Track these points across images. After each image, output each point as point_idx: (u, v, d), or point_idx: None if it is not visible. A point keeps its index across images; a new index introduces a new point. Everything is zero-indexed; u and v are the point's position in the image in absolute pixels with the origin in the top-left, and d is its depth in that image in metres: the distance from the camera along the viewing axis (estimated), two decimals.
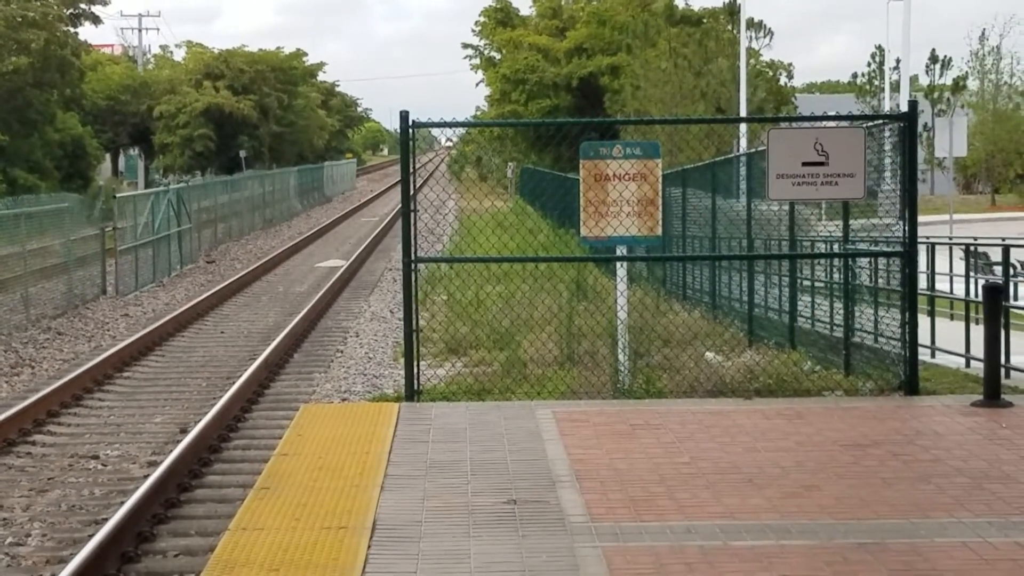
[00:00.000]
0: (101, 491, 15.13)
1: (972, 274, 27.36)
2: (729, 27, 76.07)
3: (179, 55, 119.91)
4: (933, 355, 18.41)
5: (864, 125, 16.87)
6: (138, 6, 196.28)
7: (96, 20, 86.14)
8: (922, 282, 18.19)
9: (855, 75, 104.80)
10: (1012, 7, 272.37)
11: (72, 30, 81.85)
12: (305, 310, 31.32)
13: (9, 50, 72.68)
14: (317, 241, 58.13)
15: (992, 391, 14.51)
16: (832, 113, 29.80)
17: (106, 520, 12.89)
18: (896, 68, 71.17)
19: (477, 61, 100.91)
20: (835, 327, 18.30)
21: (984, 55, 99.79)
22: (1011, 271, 23.53)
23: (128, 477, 15.48)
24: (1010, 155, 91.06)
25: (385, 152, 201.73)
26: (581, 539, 9.35)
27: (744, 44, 68.86)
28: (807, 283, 20.15)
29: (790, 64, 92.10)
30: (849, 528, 9.65)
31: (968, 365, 18.35)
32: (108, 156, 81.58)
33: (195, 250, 47.84)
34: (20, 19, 75.11)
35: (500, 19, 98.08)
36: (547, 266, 25.29)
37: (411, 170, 17.12)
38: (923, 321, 17.21)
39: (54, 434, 18.24)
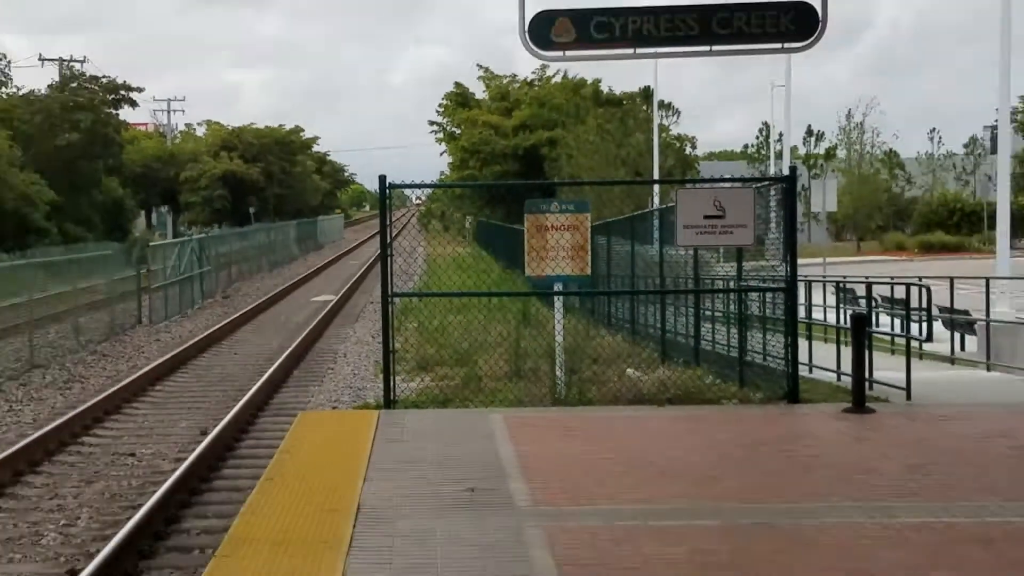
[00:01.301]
0: (137, 482, 15.13)
1: (841, 306, 27.54)
2: (644, 107, 76.04)
3: (200, 131, 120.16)
4: (810, 371, 18.46)
5: (753, 186, 16.98)
6: (168, 90, 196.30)
7: (133, 104, 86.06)
8: (801, 312, 18.21)
9: (746, 146, 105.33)
10: (873, 90, 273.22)
11: (114, 112, 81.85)
12: (303, 335, 31.06)
13: (63, 128, 72.72)
14: (312, 280, 58.04)
15: (859, 400, 14.61)
16: (728, 176, 29.87)
17: (140, 505, 12.88)
18: (779, 140, 71.34)
19: (441, 135, 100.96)
20: (731, 348, 18.35)
21: (850, 130, 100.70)
22: (873, 303, 23.69)
23: (159, 471, 15.45)
24: (872, 210, 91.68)
25: (367, 208, 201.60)
26: (527, 520, 9.39)
27: (656, 121, 69.13)
28: (708, 313, 20.22)
29: (693, 137, 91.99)
30: (746, 511, 9.71)
31: (839, 379, 18.46)
32: (143, 213, 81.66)
33: (213, 288, 47.79)
34: (72, 103, 75.24)
35: (459, 101, 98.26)
36: (498, 299, 25.36)
37: (388, 223, 17.14)
38: (802, 344, 17.26)
39: (99, 436, 18.22)
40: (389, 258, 16.51)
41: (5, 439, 17.94)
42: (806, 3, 14.96)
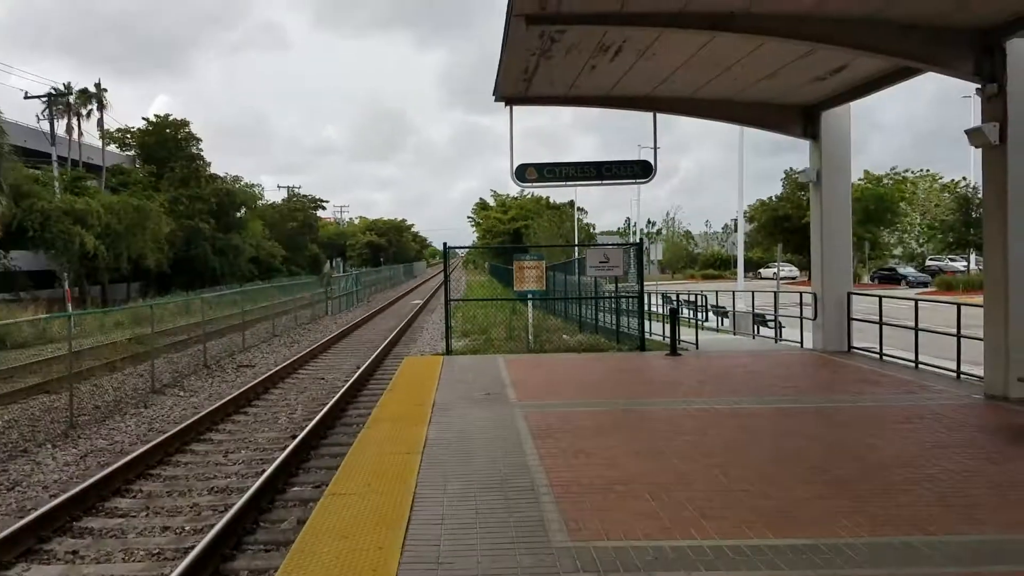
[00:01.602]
0: (325, 391, 15.04)
1: (665, 304, 27.60)
2: (571, 208, 75.99)
3: (356, 220, 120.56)
4: (650, 335, 18.44)
5: (622, 247, 16.99)
6: (340, 201, 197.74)
7: (323, 207, 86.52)
8: (645, 307, 18.17)
9: (619, 228, 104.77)
10: (679, 201, 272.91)
11: (314, 211, 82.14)
12: (408, 318, 30.87)
13: (289, 219, 73.09)
14: (410, 293, 57.94)
15: (673, 349, 14.56)
16: (611, 242, 29.77)
17: (327, 403, 12.89)
18: (635, 225, 71.32)
19: (473, 223, 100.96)
20: (613, 325, 18.36)
21: (669, 219, 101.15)
22: (679, 302, 23.75)
23: (337, 387, 15.36)
24: (678, 259, 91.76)
25: (437, 259, 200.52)
26: (515, 407, 9.40)
27: (576, 215, 69.20)
28: (602, 308, 20.23)
29: (592, 224, 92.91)
30: (619, 402, 9.74)
31: (665, 340, 18.42)
32: (328, 261, 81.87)
33: (362, 298, 47.48)
34: (294, 208, 75.85)
35: (482, 206, 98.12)
36: (500, 302, 25.38)
37: (447, 265, 17.30)
38: (646, 322, 17.27)
39: (306, 371, 18.11)
40: (447, 282, 16.62)
41: (260, 372, 17.91)
42: (646, 161, 15.05)
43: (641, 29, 9.71)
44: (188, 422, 11.56)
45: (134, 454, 9.64)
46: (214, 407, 12.70)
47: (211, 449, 10.70)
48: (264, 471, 8.89)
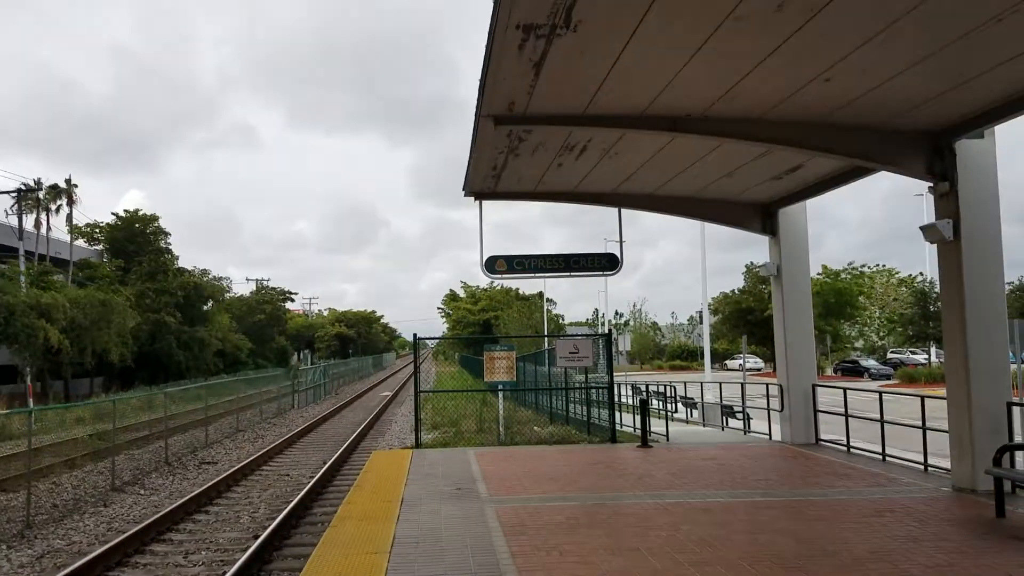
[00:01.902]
0: (290, 488, 14.63)
1: (633, 394, 27.56)
2: (540, 300, 76.34)
3: (325, 312, 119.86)
4: (621, 426, 18.29)
5: (591, 337, 17.05)
6: (308, 293, 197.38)
7: (292, 300, 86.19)
8: (616, 397, 18.09)
9: (588, 319, 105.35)
10: (645, 293, 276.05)
11: (282, 304, 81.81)
12: (376, 411, 30.37)
13: (257, 312, 72.82)
14: (380, 385, 57.21)
15: (644, 441, 14.46)
16: (580, 332, 29.85)
17: (291, 501, 12.53)
18: (604, 315, 71.70)
19: (443, 314, 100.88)
20: (584, 416, 18.21)
21: (636, 311, 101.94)
22: (648, 393, 23.74)
23: (301, 483, 14.99)
24: (646, 349, 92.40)
25: (407, 350, 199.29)
26: (486, 503, 9.21)
27: (545, 306, 69.63)
28: (573, 399, 20.10)
29: (561, 314, 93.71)
30: (591, 496, 9.58)
31: (635, 431, 18.29)
32: (296, 353, 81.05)
33: (330, 390, 46.84)
34: (262, 300, 75.65)
35: (452, 298, 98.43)
36: (470, 393, 25.14)
37: (416, 356, 17.15)
38: (617, 413, 17.17)
39: (271, 466, 17.68)
40: (416, 373, 16.47)
41: (222, 469, 17.44)
42: (612, 254, 15.25)
43: (605, 130, 9.99)
44: (148, 521, 11.13)
45: (91, 555, 9.23)
46: (175, 506, 12.27)
47: (171, 550, 10.28)
48: (225, 573, 8.54)
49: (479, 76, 8.05)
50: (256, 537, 10.50)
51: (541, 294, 76.63)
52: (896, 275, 69.91)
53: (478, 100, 8.71)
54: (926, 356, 56.99)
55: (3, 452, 19.15)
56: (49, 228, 48.78)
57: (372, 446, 20.45)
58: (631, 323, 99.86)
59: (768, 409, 16.19)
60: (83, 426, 24.07)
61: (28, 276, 38.91)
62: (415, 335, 16.61)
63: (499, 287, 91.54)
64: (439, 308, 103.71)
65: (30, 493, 12.44)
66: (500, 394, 18.52)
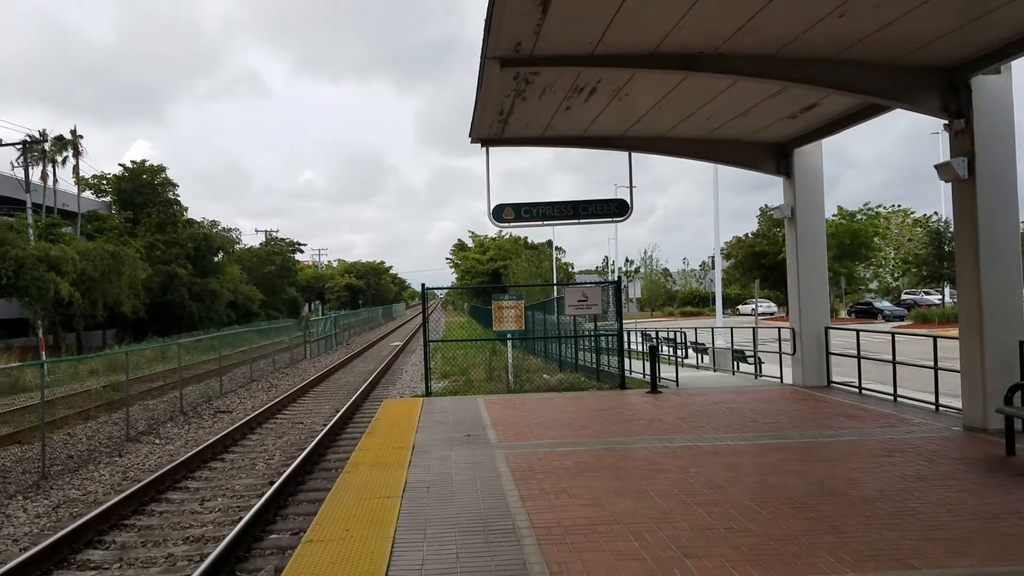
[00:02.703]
0: (303, 436, 14.86)
1: (644, 341, 27.65)
2: (549, 248, 76.19)
3: (335, 263, 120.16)
4: (630, 373, 18.37)
5: (600, 285, 17.05)
6: (317, 244, 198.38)
7: (301, 251, 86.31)
8: (624, 344, 18.14)
9: (597, 266, 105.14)
10: (656, 239, 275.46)
11: (292, 255, 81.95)
12: (387, 361, 30.61)
13: (267, 263, 72.99)
14: (390, 335, 57.53)
15: (653, 387, 14.57)
16: (589, 281, 29.86)
17: (305, 448, 12.71)
18: (614, 263, 71.49)
19: (452, 264, 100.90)
20: (592, 363, 18.29)
21: (647, 257, 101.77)
22: (658, 339, 23.83)
23: (315, 431, 15.21)
24: (656, 296, 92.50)
25: (416, 300, 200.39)
26: (495, 449, 9.32)
27: (554, 255, 69.62)
28: (582, 346, 20.17)
29: (571, 263, 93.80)
30: (600, 441, 9.66)
31: (644, 377, 18.37)
32: (307, 304, 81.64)
33: (341, 340, 47.14)
34: (272, 251, 75.73)
35: (460, 247, 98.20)
36: (479, 342, 25.27)
37: (425, 307, 17.19)
38: (627, 360, 17.23)
39: (285, 415, 17.94)
40: (425, 323, 16.52)
41: (237, 418, 17.68)
42: (622, 200, 15.14)
43: (614, 70, 9.83)
44: (163, 470, 11.33)
45: (107, 504, 9.41)
46: (190, 454, 12.48)
47: (187, 497, 10.48)
48: (241, 519, 8.71)
49: (484, 16, 7.91)
50: (271, 483, 10.68)
51: (550, 242, 76.56)
52: (911, 215, 69.32)
53: (483, 42, 8.56)
54: (940, 297, 56.77)
55: (17, 404, 19.45)
56: (56, 180, 48.73)
57: (383, 395, 20.66)
58: (641, 270, 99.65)
59: (780, 353, 16.22)
60: (96, 378, 24.39)
61: (36, 229, 39.05)
62: (423, 285, 16.64)
63: (507, 236, 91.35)
64: (447, 258, 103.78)
65: (44, 444, 12.65)
66: (509, 343, 18.61)
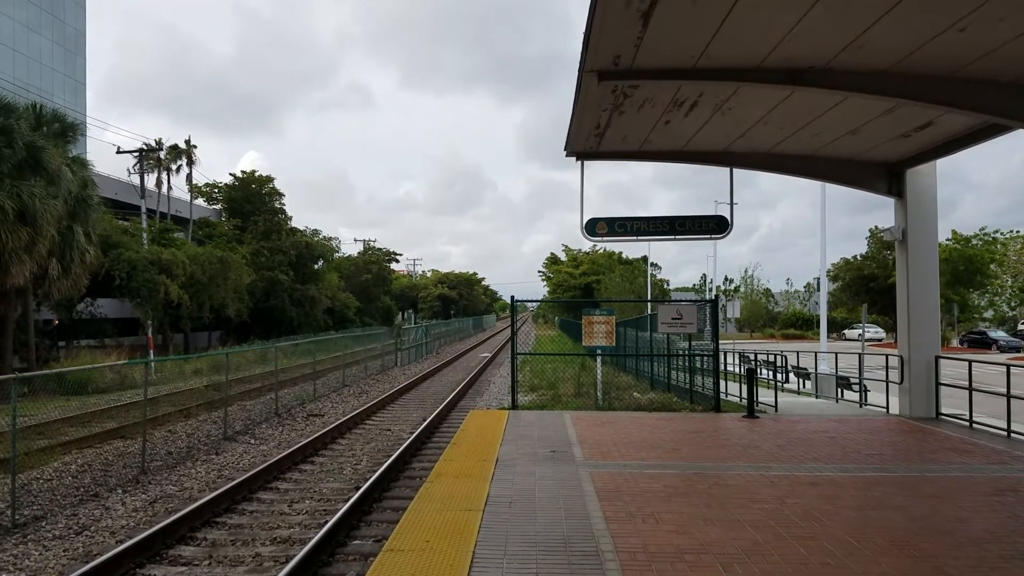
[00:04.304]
0: (390, 443, 15.03)
1: (742, 363, 26.95)
2: (644, 264, 75.42)
3: (429, 273, 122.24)
4: (726, 396, 17.93)
5: (696, 303, 16.70)
6: (413, 254, 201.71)
7: (397, 261, 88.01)
8: (720, 365, 17.72)
9: (695, 284, 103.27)
10: (758, 258, 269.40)
11: (388, 264, 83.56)
12: (475, 371, 30.87)
13: (364, 272, 74.59)
14: (479, 346, 57.80)
15: (750, 412, 14.17)
16: (685, 298, 29.36)
17: (392, 455, 12.84)
18: (711, 281, 70.08)
19: (544, 278, 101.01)
20: (686, 383, 17.93)
21: (747, 277, 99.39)
22: (757, 362, 23.18)
23: (401, 439, 15.37)
24: (757, 317, 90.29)
25: (506, 312, 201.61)
26: (581, 467, 9.20)
27: (649, 271, 68.70)
28: (674, 366, 19.79)
29: (666, 279, 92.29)
30: (691, 465, 9.42)
31: (741, 401, 17.90)
32: (400, 313, 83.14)
33: (432, 349, 47.68)
34: (369, 260, 77.44)
35: (553, 261, 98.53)
36: (569, 356, 25.13)
37: (514, 319, 17.21)
38: (721, 382, 16.81)
39: (373, 421, 18.19)
40: (514, 336, 16.52)
41: (328, 422, 18.03)
42: (722, 216, 14.81)
43: (717, 84, 9.60)
44: (256, 470, 11.66)
45: (201, 501, 9.73)
46: (282, 455, 12.81)
47: (276, 498, 10.74)
48: (326, 523, 8.86)
49: (581, 29, 7.86)
50: (357, 488, 10.87)
51: (645, 258, 75.70)
52: None
53: (582, 55, 8.50)
54: None
55: (124, 400, 20.38)
56: (170, 187, 51.24)
57: (470, 405, 20.76)
58: (742, 289, 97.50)
59: (887, 381, 15.53)
60: (199, 377, 25.35)
61: (149, 233, 41.03)
62: (512, 297, 16.66)
63: (602, 251, 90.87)
64: (540, 271, 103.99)
65: (145, 440, 13.20)
66: (599, 359, 18.41)
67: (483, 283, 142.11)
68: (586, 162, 13.75)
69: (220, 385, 20.74)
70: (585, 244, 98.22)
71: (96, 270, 31.85)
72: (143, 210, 41.91)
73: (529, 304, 27.39)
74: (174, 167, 52.02)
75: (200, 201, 56.66)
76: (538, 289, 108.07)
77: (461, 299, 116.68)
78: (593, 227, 14.50)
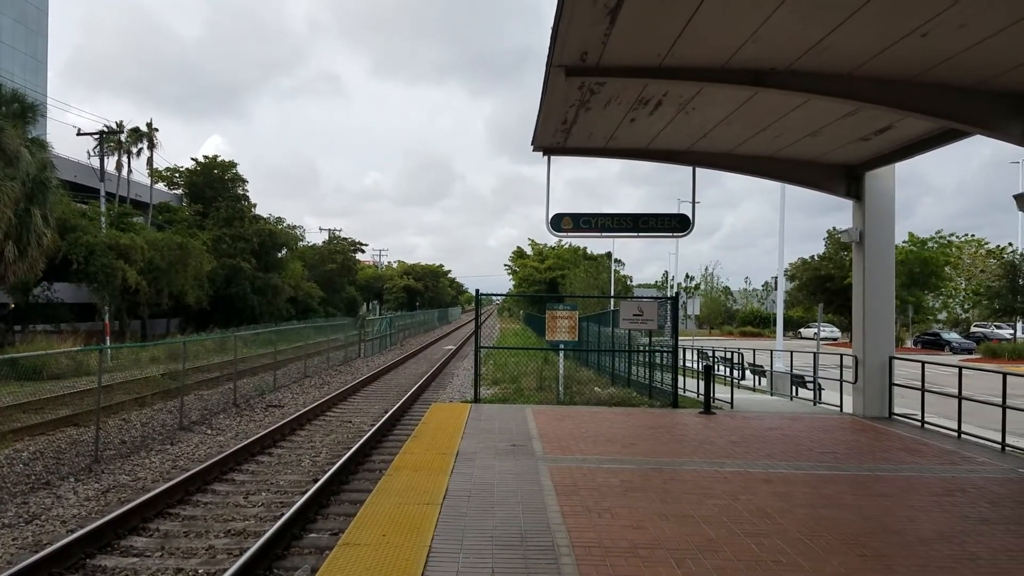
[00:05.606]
0: (351, 435, 14.90)
1: (699, 360, 27.15)
2: (609, 260, 75.73)
3: (395, 264, 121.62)
4: (684, 392, 18.04)
5: (656, 300, 16.78)
6: (379, 245, 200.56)
7: (362, 251, 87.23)
8: (679, 362, 17.83)
9: (656, 281, 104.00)
10: (718, 256, 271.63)
11: (353, 255, 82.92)
12: (439, 364, 30.69)
13: (329, 262, 73.98)
14: (444, 339, 57.56)
15: (707, 407, 14.29)
16: (648, 295, 29.52)
17: (351, 447, 12.73)
18: (673, 278, 70.53)
19: (509, 271, 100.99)
20: (645, 379, 18.02)
21: (707, 274, 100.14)
22: (714, 359, 23.37)
23: (362, 431, 15.25)
24: (715, 314, 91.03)
25: (472, 304, 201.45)
26: (540, 461, 9.19)
27: (612, 267, 68.95)
28: (636, 361, 19.88)
29: (630, 276, 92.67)
30: (648, 461, 9.46)
31: (698, 397, 18.02)
32: (365, 304, 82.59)
33: (396, 341, 47.42)
34: (333, 250, 76.77)
35: (519, 255, 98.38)
36: (532, 351, 25.15)
37: (479, 313, 17.14)
38: (680, 378, 16.92)
39: (335, 413, 18.04)
40: (478, 329, 16.50)
41: (288, 413, 17.85)
42: (684, 215, 14.90)
43: (682, 83, 9.63)
44: (212, 461, 11.48)
45: (155, 491, 9.56)
46: (239, 446, 12.64)
47: (232, 490, 10.59)
48: (282, 515, 8.75)
49: (551, 24, 7.83)
50: (315, 481, 10.75)
51: (609, 254, 76.01)
52: (985, 245, 67.12)
53: (549, 50, 8.47)
54: (1012, 331, 54.75)
55: (77, 388, 19.98)
56: (130, 171, 50.14)
57: (433, 398, 20.68)
58: (702, 286, 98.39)
59: (841, 380, 15.76)
60: (156, 365, 24.95)
61: (108, 217, 40.22)
62: (477, 291, 16.62)
63: (567, 246, 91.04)
64: (506, 265, 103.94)
65: (99, 428, 12.94)
66: (561, 353, 18.43)
67: (449, 275, 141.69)
68: (553, 157, 13.75)
69: (177, 374, 20.42)
70: (551, 239, 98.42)
71: (53, 254, 31.14)
72: (102, 193, 41.06)
73: (495, 298, 27.27)
74: (135, 150, 50.94)
75: (161, 186, 55.61)
76: (504, 282, 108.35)
77: (427, 291, 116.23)
78: (559, 222, 14.50)
